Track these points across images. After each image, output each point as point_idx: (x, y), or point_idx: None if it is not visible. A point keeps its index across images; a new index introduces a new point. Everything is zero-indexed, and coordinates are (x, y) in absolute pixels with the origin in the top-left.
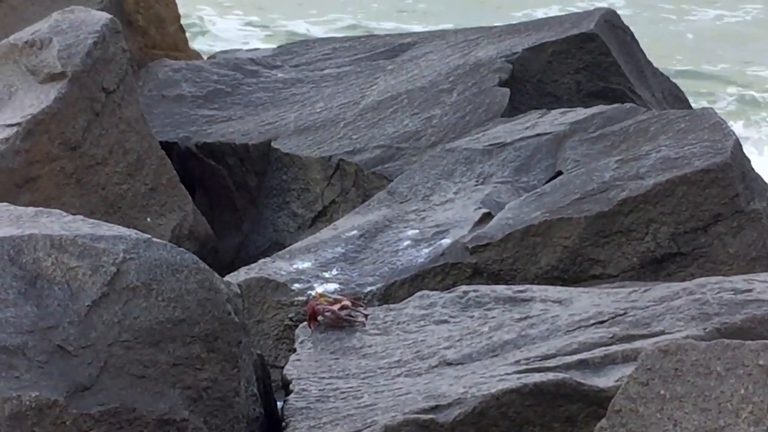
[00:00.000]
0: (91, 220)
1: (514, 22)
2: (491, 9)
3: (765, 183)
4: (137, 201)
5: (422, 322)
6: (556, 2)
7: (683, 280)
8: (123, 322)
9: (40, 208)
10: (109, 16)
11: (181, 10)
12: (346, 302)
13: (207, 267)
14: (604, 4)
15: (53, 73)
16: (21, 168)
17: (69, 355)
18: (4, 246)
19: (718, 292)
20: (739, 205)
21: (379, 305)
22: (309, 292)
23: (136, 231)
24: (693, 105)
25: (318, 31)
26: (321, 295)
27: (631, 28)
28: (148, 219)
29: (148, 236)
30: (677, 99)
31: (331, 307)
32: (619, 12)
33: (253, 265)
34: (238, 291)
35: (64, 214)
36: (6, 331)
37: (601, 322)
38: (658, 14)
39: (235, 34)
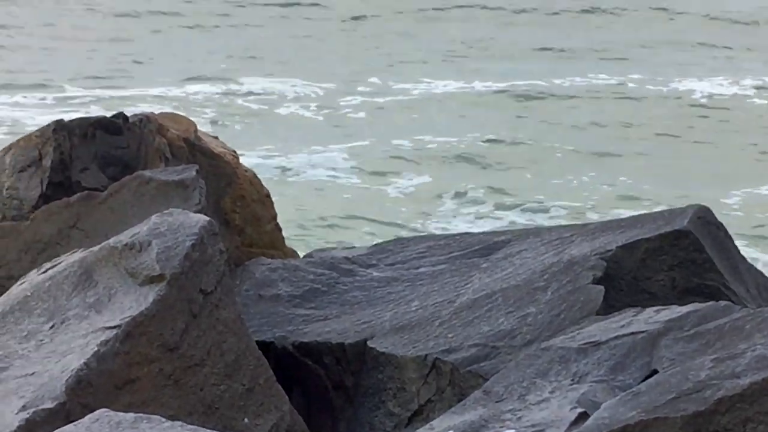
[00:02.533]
0: (190, 426)
1: (607, 219)
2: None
3: None
4: (235, 402)
5: None
6: None
7: None
8: None
9: (140, 414)
10: (207, 218)
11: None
12: None
13: None
14: None
15: (152, 276)
16: (120, 370)
17: None
18: None
19: None
20: None
21: None
22: None
23: None
24: None
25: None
26: None
27: None
28: (246, 419)
29: None
30: None
31: None
32: None
33: None
34: None
35: (164, 420)
36: None
37: None
38: None
39: None
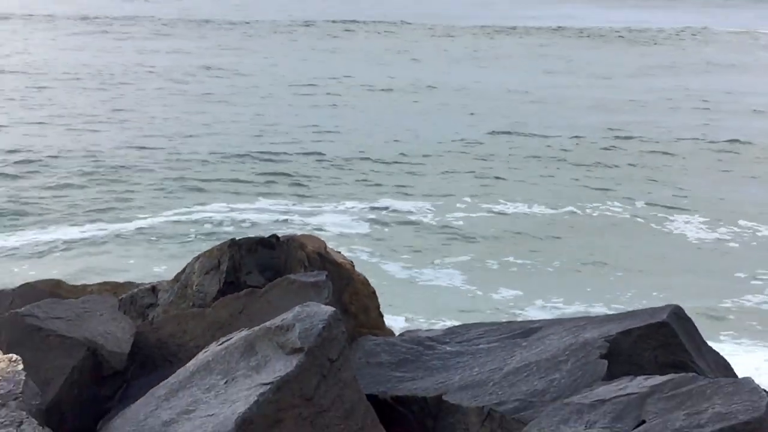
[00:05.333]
0: None
1: (610, 313)
2: None
3: None
4: None
5: None
6: None
7: None
8: None
9: None
10: (333, 309)
11: None
12: None
13: None
14: None
15: (295, 348)
16: (272, 413)
17: None
18: None
19: None
20: None
21: None
22: None
23: None
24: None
25: None
26: None
27: None
28: None
29: None
30: (725, 368)
31: None
32: None
33: None
34: None
35: None
36: None
37: None
38: None
39: None
